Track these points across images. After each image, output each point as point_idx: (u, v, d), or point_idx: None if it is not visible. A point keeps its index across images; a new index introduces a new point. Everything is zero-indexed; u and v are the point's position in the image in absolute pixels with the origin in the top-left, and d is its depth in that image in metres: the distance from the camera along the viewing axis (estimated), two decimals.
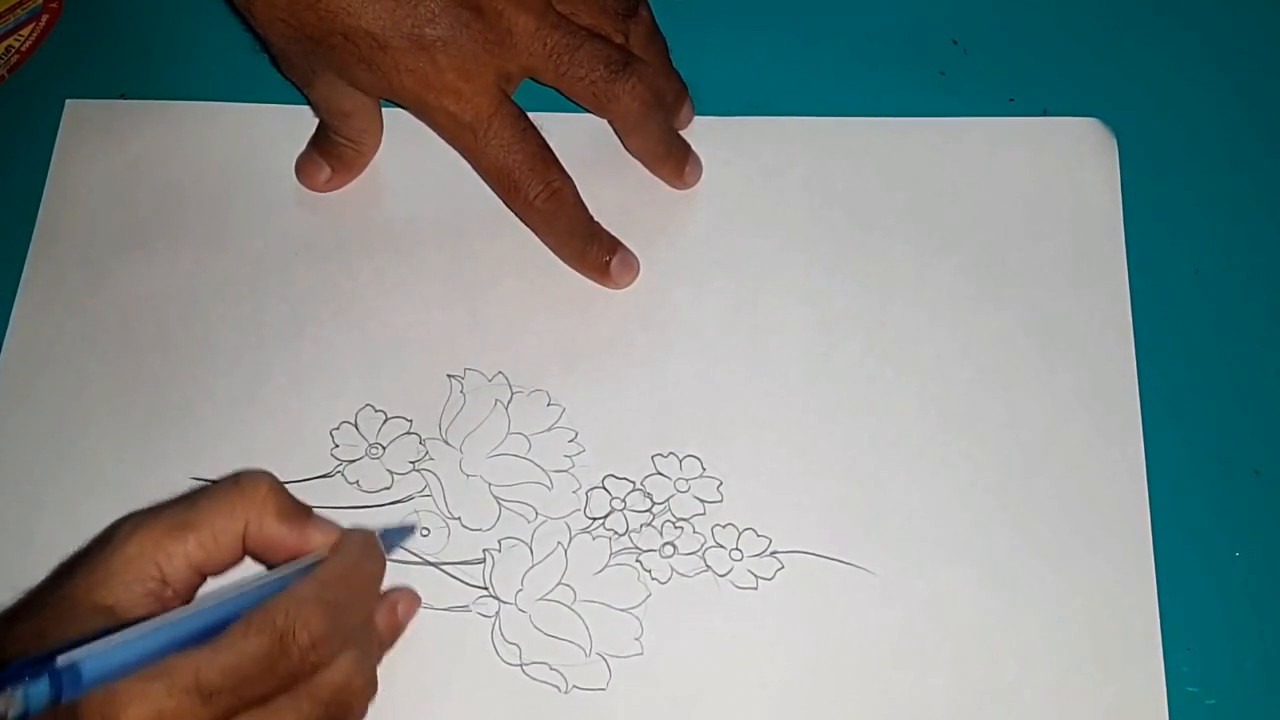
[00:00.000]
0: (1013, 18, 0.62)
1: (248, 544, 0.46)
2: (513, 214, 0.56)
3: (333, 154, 0.59)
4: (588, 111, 0.56)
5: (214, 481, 0.47)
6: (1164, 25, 0.62)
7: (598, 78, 0.55)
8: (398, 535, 0.51)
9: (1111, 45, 0.61)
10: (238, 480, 0.46)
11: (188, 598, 0.46)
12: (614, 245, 0.57)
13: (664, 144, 0.58)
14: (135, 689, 0.40)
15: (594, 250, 0.56)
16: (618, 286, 0.57)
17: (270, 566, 0.48)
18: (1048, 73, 0.61)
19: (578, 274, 0.57)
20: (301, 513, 0.47)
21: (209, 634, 0.42)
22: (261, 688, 0.42)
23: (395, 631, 0.49)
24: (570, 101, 0.56)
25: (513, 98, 0.55)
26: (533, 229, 0.57)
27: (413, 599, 0.50)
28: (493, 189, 0.56)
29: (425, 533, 0.53)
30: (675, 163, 0.58)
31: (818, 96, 0.60)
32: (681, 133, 0.59)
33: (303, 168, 0.59)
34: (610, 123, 0.57)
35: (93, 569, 0.44)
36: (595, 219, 0.56)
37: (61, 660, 0.38)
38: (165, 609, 0.44)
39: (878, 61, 0.61)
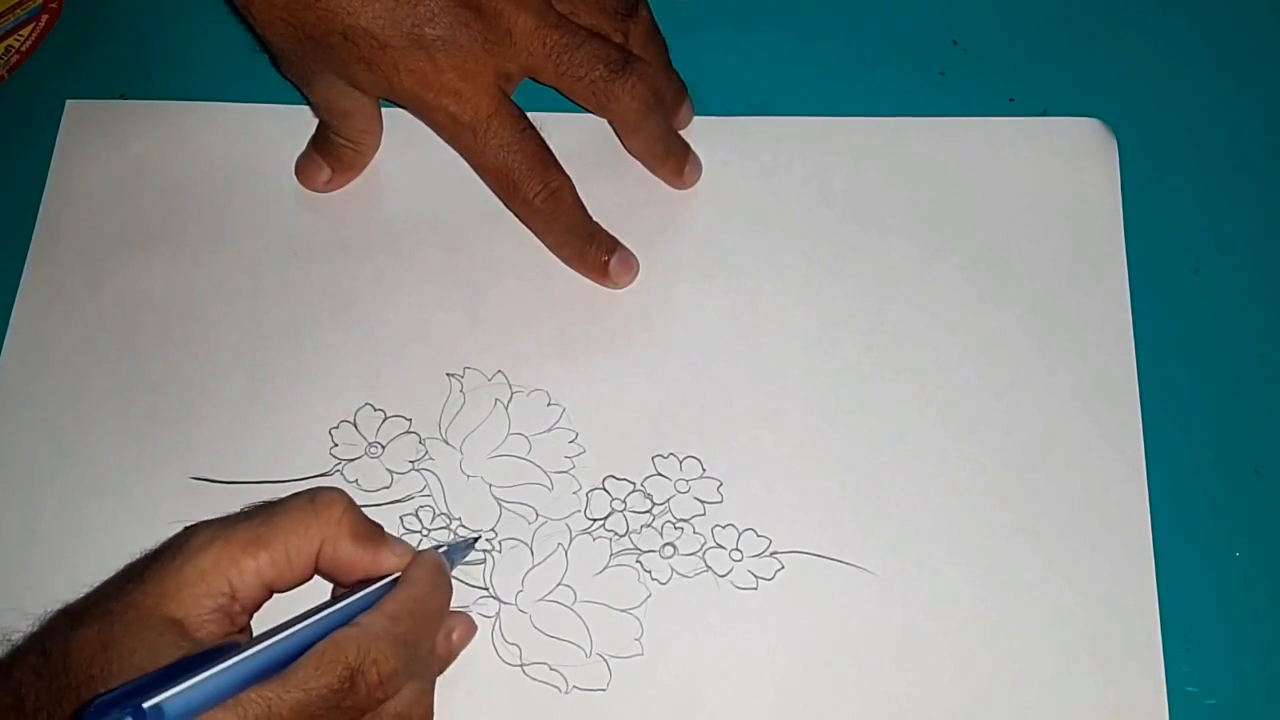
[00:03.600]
0: (1013, 18, 0.62)
1: (320, 564, 0.46)
2: (512, 214, 0.56)
3: (332, 154, 0.59)
4: (588, 111, 0.56)
5: (288, 497, 0.47)
6: (1164, 25, 0.62)
7: (597, 77, 0.55)
8: (460, 552, 0.51)
9: (1111, 45, 0.61)
10: (314, 499, 0.46)
11: (253, 612, 0.46)
12: (613, 245, 0.57)
13: (664, 144, 0.58)
14: None
15: (593, 250, 0.56)
16: (616, 286, 0.57)
17: (340, 586, 0.48)
18: (1048, 73, 0.61)
19: (578, 273, 0.57)
20: (375, 534, 0.47)
21: (280, 665, 0.42)
22: None
23: (449, 658, 0.49)
24: (570, 101, 0.56)
25: (512, 98, 0.55)
26: (532, 229, 0.57)
27: (469, 627, 0.50)
28: (492, 189, 0.56)
29: (480, 558, 0.52)
30: (675, 162, 0.58)
31: (818, 97, 0.60)
32: (681, 133, 0.59)
33: (303, 168, 0.59)
34: (610, 123, 0.57)
35: (163, 578, 0.44)
36: (594, 219, 0.56)
37: (148, 704, 0.38)
38: (232, 624, 0.44)
39: (878, 62, 0.61)
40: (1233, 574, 0.51)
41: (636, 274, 0.57)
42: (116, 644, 0.42)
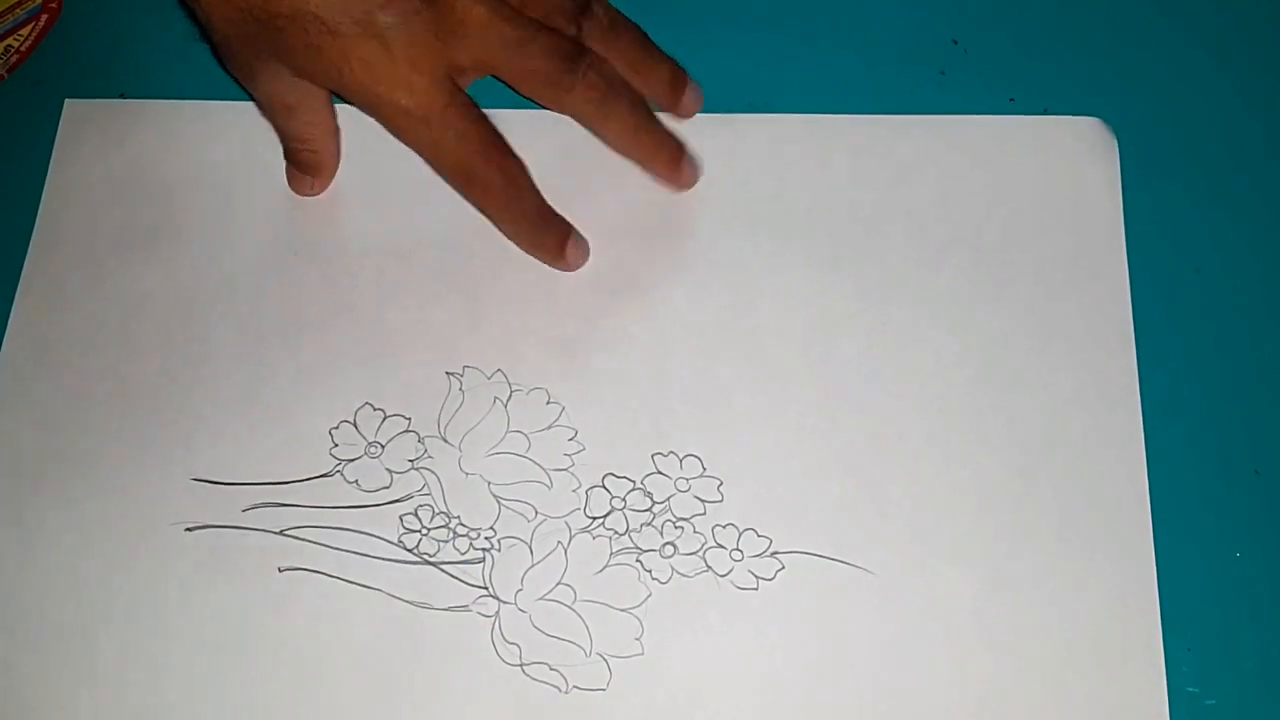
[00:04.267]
0: (1013, 17, 0.62)
1: None
2: (470, 204, 0.56)
3: (296, 160, 0.58)
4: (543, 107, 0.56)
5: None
6: (1165, 25, 0.62)
7: (552, 69, 0.54)
8: None
9: (1112, 45, 0.61)
10: None
11: None
12: (567, 228, 0.56)
13: (636, 135, 0.57)
14: None
15: (551, 235, 0.56)
16: (571, 269, 0.56)
17: None
18: (1048, 72, 0.61)
19: (534, 259, 0.57)
20: None
21: None
22: None
23: None
24: (523, 97, 0.56)
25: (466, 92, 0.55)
26: (490, 217, 0.56)
27: None
28: (448, 181, 0.56)
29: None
30: (666, 158, 0.57)
31: (817, 96, 0.60)
32: (680, 129, 0.58)
33: (289, 179, 0.59)
34: (575, 119, 0.57)
35: None
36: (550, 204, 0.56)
37: None
38: None
39: (878, 61, 0.61)
40: (1233, 574, 0.51)
41: (588, 256, 0.57)
42: None
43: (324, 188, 0.59)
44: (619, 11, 0.58)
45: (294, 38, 0.52)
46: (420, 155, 0.55)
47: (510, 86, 0.56)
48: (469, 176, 0.55)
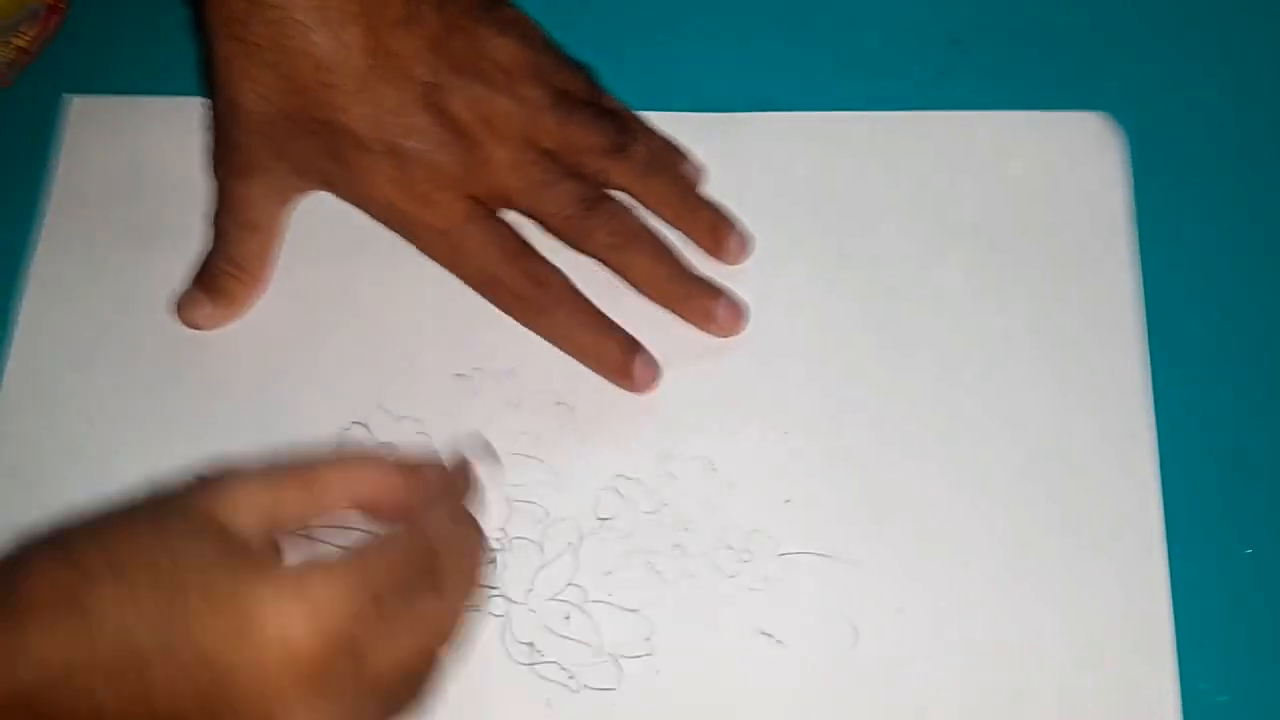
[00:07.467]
0: (1014, 17, 0.62)
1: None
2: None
3: (214, 282, 0.56)
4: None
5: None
6: (1166, 26, 0.62)
7: (570, 214, 0.54)
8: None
9: (1113, 45, 0.61)
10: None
11: None
12: (633, 342, 0.54)
13: (658, 284, 0.55)
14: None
15: (608, 347, 0.54)
16: (639, 390, 0.54)
17: None
18: (1049, 73, 0.61)
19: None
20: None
21: None
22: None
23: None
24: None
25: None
26: (532, 328, 0.55)
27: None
28: (479, 293, 0.55)
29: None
30: (692, 306, 0.55)
31: (818, 96, 0.60)
32: (678, 131, 0.58)
33: (181, 303, 0.56)
34: (599, 263, 0.56)
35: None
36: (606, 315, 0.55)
37: None
38: None
39: (878, 61, 0.61)
40: (1245, 570, 0.52)
41: (660, 377, 0.54)
42: None
43: (221, 323, 0.56)
44: (666, 151, 0.57)
45: (324, 142, 0.53)
46: (444, 268, 0.55)
47: (534, 222, 0.55)
48: (493, 283, 0.54)
